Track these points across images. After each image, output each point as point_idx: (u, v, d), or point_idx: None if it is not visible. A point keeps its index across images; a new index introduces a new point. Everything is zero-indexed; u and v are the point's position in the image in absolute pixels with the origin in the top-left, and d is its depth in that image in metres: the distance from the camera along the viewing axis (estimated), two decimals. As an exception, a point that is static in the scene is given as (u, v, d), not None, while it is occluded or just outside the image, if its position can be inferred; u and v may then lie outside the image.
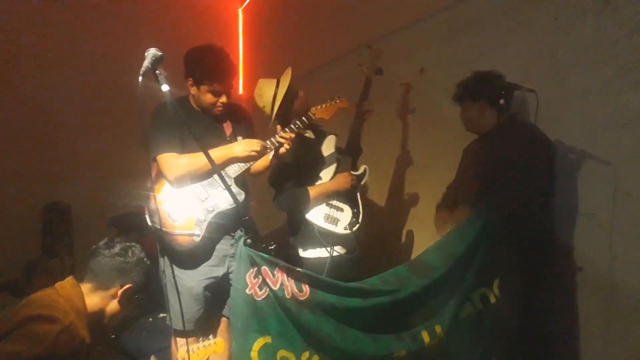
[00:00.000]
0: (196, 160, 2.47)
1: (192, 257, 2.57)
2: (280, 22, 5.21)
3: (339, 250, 2.96)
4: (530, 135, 2.68)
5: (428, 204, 3.68)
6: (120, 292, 2.06)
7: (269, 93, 2.93)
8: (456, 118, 3.25)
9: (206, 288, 2.62)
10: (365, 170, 3.08)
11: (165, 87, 2.06)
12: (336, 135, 3.19)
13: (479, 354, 2.42)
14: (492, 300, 2.46)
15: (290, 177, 2.94)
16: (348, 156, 3.07)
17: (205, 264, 2.61)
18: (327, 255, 2.87)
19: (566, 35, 2.88)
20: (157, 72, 2.03)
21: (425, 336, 2.35)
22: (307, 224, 2.92)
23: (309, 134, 3.14)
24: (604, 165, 2.63)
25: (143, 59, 2.00)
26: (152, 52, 2.02)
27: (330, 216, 2.92)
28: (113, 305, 2.07)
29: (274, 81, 2.98)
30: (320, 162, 3.06)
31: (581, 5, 2.80)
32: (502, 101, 2.64)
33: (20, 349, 1.69)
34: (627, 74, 2.59)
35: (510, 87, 2.69)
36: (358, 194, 3.05)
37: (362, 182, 3.08)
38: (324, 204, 2.94)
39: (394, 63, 3.98)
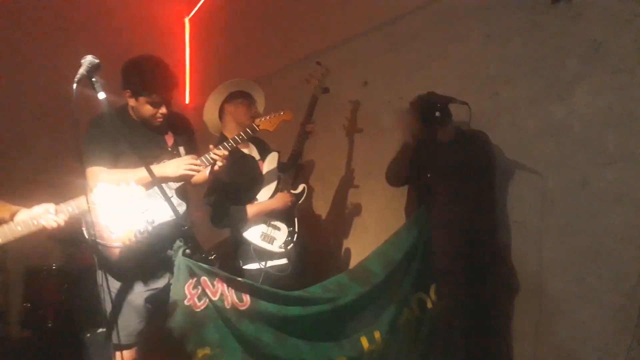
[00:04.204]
0: (125, 177, 2.40)
1: (132, 270, 2.51)
2: (227, 32, 5.20)
3: (273, 266, 2.96)
4: (477, 144, 2.82)
5: (371, 211, 3.77)
6: None
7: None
8: (398, 128, 3.38)
9: (147, 300, 2.56)
10: (304, 189, 3.14)
11: (102, 95, 2.03)
12: (279, 152, 3.22)
13: (416, 358, 2.48)
14: (429, 305, 2.54)
15: (226, 195, 2.91)
16: (289, 173, 3.11)
17: (145, 276, 2.56)
18: (262, 267, 2.88)
19: (497, 50, 3.04)
20: (93, 79, 2.00)
21: (365, 342, 2.39)
22: (244, 241, 2.92)
23: (251, 149, 3.16)
24: (533, 174, 2.79)
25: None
26: (88, 59, 1.98)
27: (267, 235, 2.93)
28: None
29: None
30: (259, 180, 3.06)
31: (510, 24, 2.97)
32: (437, 113, 2.75)
33: None
34: (552, 88, 2.77)
35: (444, 100, 2.81)
36: (295, 213, 3.10)
37: (300, 201, 3.13)
38: (262, 223, 2.95)
39: (339, 74, 4.06)
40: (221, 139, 2.87)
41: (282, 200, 2.99)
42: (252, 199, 2.98)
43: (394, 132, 3.47)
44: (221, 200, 2.89)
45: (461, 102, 2.79)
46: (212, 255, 2.22)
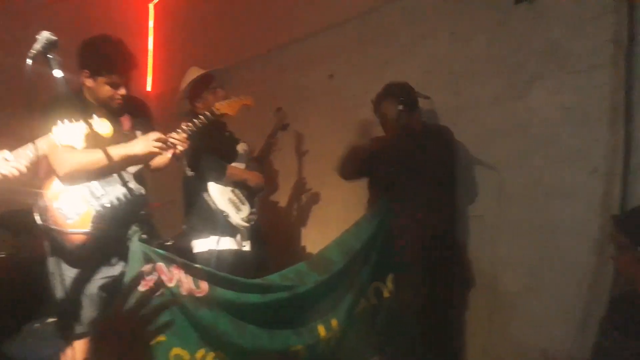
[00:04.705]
0: (92, 156, 2.32)
1: (87, 256, 2.43)
2: (191, 19, 5.11)
3: (232, 245, 2.95)
4: (439, 138, 2.87)
5: (335, 205, 3.77)
6: None
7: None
8: (363, 121, 3.40)
9: (102, 288, 2.48)
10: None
11: (58, 73, 1.95)
12: (247, 143, 3.27)
13: (372, 346, 2.51)
14: (386, 294, 2.57)
15: (207, 146, 2.90)
16: (255, 164, 3.26)
17: (100, 263, 2.48)
18: (216, 247, 2.88)
19: (462, 49, 3.10)
20: (49, 56, 1.92)
21: (322, 330, 2.39)
22: (209, 202, 2.90)
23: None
24: (491, 170, 2.85)
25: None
26: (45, 36, 1.90)
27: (233, 201, 2.97)
28: None
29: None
30: (234, 151, 3.13)
31: (475, 23, 3.03)
32: (400, 107, 2.79)
33: None
34: (514, 87, 2.84)
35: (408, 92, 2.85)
36: (257, 199, 3.18)
37: (259, 194, 3.23)
38: (230, 190, 2.99)
39: (304, 68, 4.06)
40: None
41: (256, 175, 3.10)
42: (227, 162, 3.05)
43: (359, 126, 3.49)
44: (204, 149, 2.89)
45: (424, 96, 2.83)
46: (169, 241, 2.18)
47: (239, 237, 2.98)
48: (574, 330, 2.46)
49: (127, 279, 2.14)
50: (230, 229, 2.92)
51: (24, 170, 1.92)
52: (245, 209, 3.00)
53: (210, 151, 2.93)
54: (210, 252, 2.85)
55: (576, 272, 2.49)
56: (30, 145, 1.93)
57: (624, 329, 1.80)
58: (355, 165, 3.01)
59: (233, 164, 3.08)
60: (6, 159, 1.88)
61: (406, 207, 2.65)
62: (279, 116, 3.77)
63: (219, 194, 2.92)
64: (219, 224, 2.87)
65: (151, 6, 5.58)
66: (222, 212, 2.89)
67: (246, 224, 2.96)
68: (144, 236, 2.14)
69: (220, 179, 2.93)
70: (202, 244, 2.91)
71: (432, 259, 2.60)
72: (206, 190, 2.91)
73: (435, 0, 3.26)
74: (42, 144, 1.95)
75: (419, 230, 2.62)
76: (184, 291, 2.16)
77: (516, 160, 2.79)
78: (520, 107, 2.80)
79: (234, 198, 2.98)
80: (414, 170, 2.72)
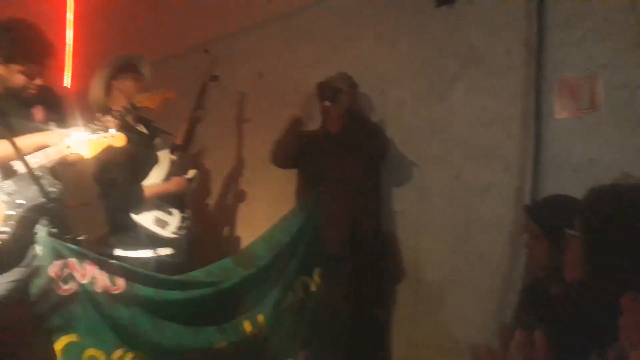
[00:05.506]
0: (4, 148, 2.15)
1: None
2: (114, 12, 4.88)
3: (163, 252, 2.80)
4: (368, 132, 2.93)
5: (262, 202, 3.74)
6: None
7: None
8: (292, 120, 3.39)
9: (13, 291, 2.28)
10: (196, 174, 3.05)
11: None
12: (171, 134, 3.10)
13: (299, 341, 2.49)
14: (313, 288, 2.57)
15: (119, 172, 2.72)
16: (181, 157, 3.01)
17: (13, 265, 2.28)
18: (149, 255, 2.72)
19: (386, 50, 3.19)
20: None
21: (247, 326, 2.34)
22: (134, 225, 2.73)
23: (141, 128, 2.99)
24: (414, 167, 2.95)
25: None
26: None
27: (160, 219, 2.78)
28: None
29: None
30: (152, 160, 2.90)
31: (399, 25, 3.13)
32: (326, 103, 2.83)
33: None
34: (435, 88, 2.96)
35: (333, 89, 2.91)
36: (188, 199, 3.01)
37: (192, 186, 3.03)
38: (154, 206, 2.80)
39: (233, 66, 4.00)
40: None
41: (177, 183, 2.88)
42: (144, 179, 2.82)
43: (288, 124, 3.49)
44: (113, 179, 2.69)
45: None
46: (81, 236, 2.04)
47: (173, 247, 2.83)
48: (492, 318, 2.58)
49: (35, 275, 1.99)
50: (165, 241, 2.78)
51: None
52: (175, 220, 2.83)
53: (121, 173, 2.72)
54: (138, 259, 2.70)
55: (492, 263, 2.62)
56: None
57: (536, 313, 1.89)
58: (287, 152, 3.00)
59: (154, 171, 2.87)
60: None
61: (335, 200, 2.67)
62: (208, 61, 3.37)
63: (142, 218, 2.73)
64: (152, 240, 2.74)
65: (70, -3, 5.29)
66: (149, 233, 2.73)
67: (176, 236, 2.80)
68: (54, 230, 2.00)
69: (138, 207, 2.73)
70: (133, 254, 2.75)
71: (358, 253, 2.64)
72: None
73: (362, 2, 3.33)
74: None
75: (348, 224, 2.66)
76: (98, 288, 2.04)
77: (437, 158, 2.90)
78: (440, 107, 2.92)
79: (160, 215, 2.79)
80: (342, 163, 2.76)
